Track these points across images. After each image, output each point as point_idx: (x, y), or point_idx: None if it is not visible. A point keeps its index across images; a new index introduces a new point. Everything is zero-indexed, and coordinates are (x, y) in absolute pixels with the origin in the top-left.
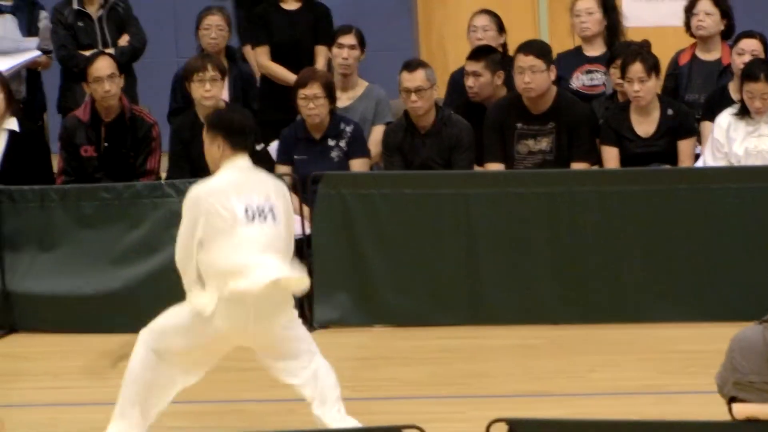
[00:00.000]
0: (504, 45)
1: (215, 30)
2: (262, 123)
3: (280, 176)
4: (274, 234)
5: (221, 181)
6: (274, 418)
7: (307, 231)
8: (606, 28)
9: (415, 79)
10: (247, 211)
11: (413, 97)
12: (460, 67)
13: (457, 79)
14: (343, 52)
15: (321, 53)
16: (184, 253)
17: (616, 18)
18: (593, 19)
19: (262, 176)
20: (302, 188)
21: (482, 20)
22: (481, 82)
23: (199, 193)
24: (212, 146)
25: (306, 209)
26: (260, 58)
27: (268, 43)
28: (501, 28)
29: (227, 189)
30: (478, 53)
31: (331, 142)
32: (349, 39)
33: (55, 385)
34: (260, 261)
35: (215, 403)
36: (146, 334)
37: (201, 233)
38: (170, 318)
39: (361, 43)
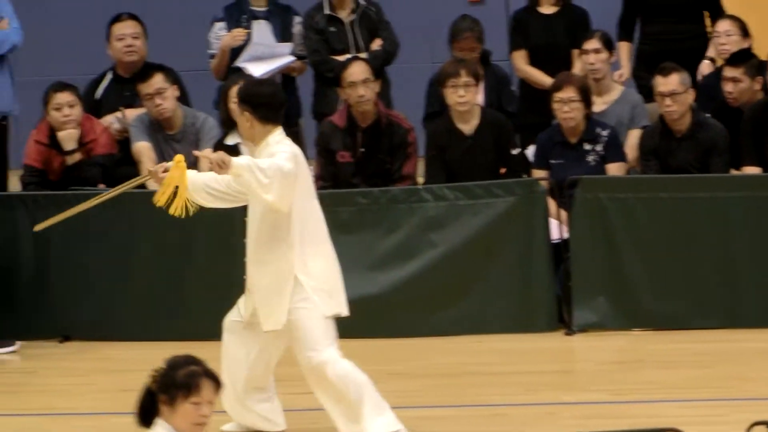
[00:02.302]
0: (749, 50)
1: (470, 41)
2: (519, 126)
3: (536, 180)
4: None
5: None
6: None
7: (565, 235)
8: None
9: (669, 83)
10: None
11: (667, 101)
12: (709, 73)
13: (706, 85)
14: (589, 57)
15: (578, 57)
16: None
17: None
18: None
19: None
20: (559, 192)
21: (725, 26)
22: (741, 87)
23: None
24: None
25: (563, 213)
26: (517, 62)
27: (526, 47)
28: (745, 33)
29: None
30: (738, 59)
31: (587, 147)
32: (592, 43)
33: None
34: None
35: None
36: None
37: None
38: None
39: (608, 45)
